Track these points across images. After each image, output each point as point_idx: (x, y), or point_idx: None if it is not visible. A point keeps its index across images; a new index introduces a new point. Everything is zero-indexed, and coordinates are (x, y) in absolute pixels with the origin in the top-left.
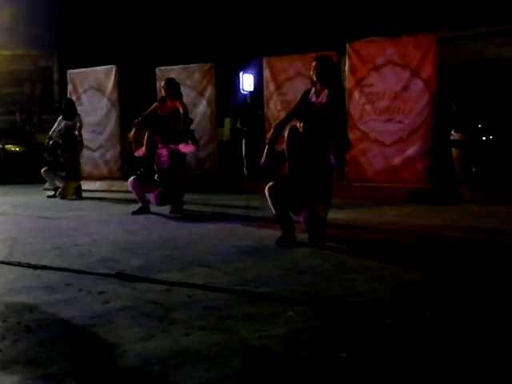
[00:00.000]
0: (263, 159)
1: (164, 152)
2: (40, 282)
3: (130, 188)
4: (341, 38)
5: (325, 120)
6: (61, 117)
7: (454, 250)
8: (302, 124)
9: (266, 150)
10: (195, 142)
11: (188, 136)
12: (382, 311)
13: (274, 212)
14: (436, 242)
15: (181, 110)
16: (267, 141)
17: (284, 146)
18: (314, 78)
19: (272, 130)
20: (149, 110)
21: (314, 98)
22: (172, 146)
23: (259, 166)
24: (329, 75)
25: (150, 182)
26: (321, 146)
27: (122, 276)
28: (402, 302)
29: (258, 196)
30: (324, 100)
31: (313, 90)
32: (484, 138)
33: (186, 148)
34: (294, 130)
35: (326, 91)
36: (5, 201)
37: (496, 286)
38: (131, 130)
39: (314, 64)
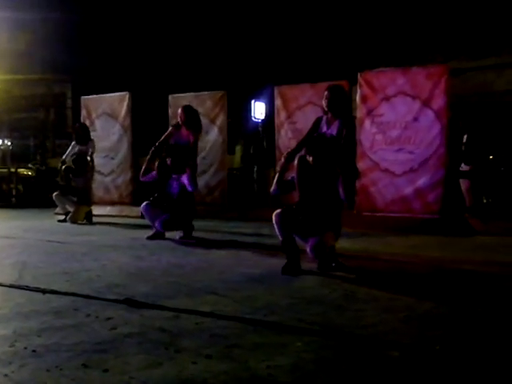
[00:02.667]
0: (273, 187)
1: (174, 184)
2: (48, 307)
3: (142, 213)
4: (352, 68)
5: (334, 153)
6: (74, 141)
7: (465, 282)
8: (311, 157)
9: (276, 178)
10: (192, 181)
11: (189, 170)
12: (390, 343)
13: (280, 238)
14: (446, 273)
15: (191, 143)
16: (278, 169)
17: (294, 175)
18: (326, 108)
19: (283, 159)
20: (164, 136)
21: (324, 128)
22: (182, 181)
23: (269, 194)
24: (340, 105)
25: (162, 208)
26: (330, 177)
27: (130, 302)
28: (411, 335)
29: (268, 224)
30: (334, 131)
31: (324, 118)
32: (495, 170)
33: (186, 185)
34: (303, 159)
35: (336, 122)
36: (16, 224)
37: (507, 320)
38: (145, 156)
39: (326, 93)
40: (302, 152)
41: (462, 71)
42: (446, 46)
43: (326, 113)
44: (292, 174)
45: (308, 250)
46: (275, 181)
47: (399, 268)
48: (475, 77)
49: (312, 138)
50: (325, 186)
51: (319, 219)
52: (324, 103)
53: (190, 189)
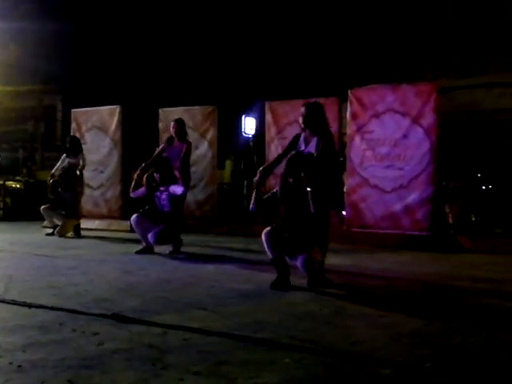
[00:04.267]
0: (251, 204)
1: (163, 195)
2: (34, 321)
3: (132, 225)
4: (343, 85)
5: (311, 171)
6: (65, 155)
7: (454, 298)
8: (291, 178)
9: (253, 195)
10: (185, 182)
11: (182, 174)
12: (381, 361)
13: (270, 256)
14: (435, 290)
15: (183, 151)
16: (254, 185)
17: (275, 190)
18: (302, 125)
19: (258, 174)
20: (156, 152)
21: (302, 146)
22: (170, 190)
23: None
24: (317, 122)
25: (153, 220)
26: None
27: (118, 317)
28: (402, 352)
29: (258, 239)
30: (312, 149)
31: (302, 135)
32: (483, 187)
33: (175, 189)
34: (284, 177)
35: (315, 139)
36: (3, 238)
37: (495, 337)
38: (135, 170)
39: (302, 110)
40: (282, 170)
41: (450, 89)
42: (435, 63)
43: (303, 130)
44: (272, 190)
45: (299, 267)
46: (253, 198)
47: (389, 284)
48: (464, 95)
49: (290, 159)
50: (306, 203)
51: (304, 236)
52: (300, 120)
53: (179, 191)
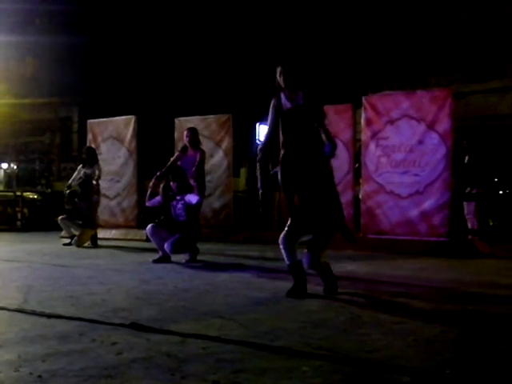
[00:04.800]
0: (259, 185)
1: (179, 205)
2: (54, 332)
3: (148, 235)
4: (356, 91)
5: (309, 118)
6: (81, 165)
7: (472, 305)
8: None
9: (259, 175)
10: (200, 191)
11: (197, 183)
12: (399, 368)
13: (287, 262)
14: (453, 296)
15: (197, 160)
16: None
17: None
18: (282, 85)
19: (260, 153)
20: (171, 161)
21: (288, 105)
22: (186, 199)
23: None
24: (298, 78)
25: (168, 229)
26: (314, 151)
27: (136, 326)
28: (420, 359)
29: (273, 246)
30: (300, 101)
31: (283, 96)
32: (501, 192)
33: (191, 198)
34: (285, 158)
35: (300, 94)
36: (21, 248)
37: None
38: (151, 179)
39: (279, 69)
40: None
41: (465, 94)
42: (448, 69)
43: (282, 90)
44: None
45: (305, 264)
46: (259, 179)
47: (406, 291)
48: (478, 100)
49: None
50: (312, 171)
51: (322, 210)
52: (280, 81)
53: (194, 200)
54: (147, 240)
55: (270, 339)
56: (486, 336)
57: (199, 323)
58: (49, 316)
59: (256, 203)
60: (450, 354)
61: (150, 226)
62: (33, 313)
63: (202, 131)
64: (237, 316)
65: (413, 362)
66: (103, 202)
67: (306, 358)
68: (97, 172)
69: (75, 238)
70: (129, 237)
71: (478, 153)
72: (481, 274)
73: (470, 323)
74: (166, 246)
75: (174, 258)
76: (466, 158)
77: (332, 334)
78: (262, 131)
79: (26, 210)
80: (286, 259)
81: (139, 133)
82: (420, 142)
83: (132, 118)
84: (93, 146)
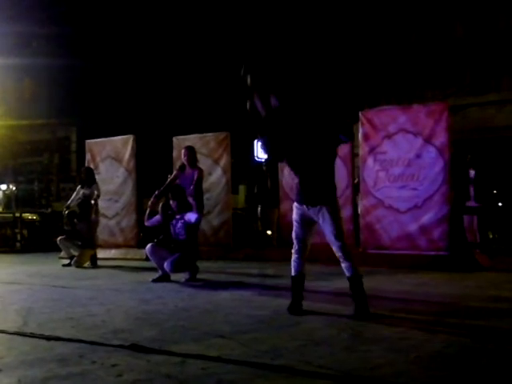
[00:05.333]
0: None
1: (179, 224)
2: (53, 354)
3: (148, 255)
4: (354, 106)
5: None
6: (79, 186)
7: (474, 319)
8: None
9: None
10: (199, 209)
11: (196, 201)
12: None
13: (292, 273)
14: (455, 311)
15: (195, 178)
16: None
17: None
18: None
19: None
20: (169, 179)
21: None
22: (185, 217)
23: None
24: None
25: (168, 248)
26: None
27: (136, 347)
28: (423, 376)
29: (273, 264)
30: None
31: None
32: (500, 204)
33: (190, 217)
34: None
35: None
36: (20, 270)
37: None
38: (149, 198)
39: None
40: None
41: (462, 107)
42: (445, 82)
43: None
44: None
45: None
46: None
47: (407, 306)
48: (475, 113)
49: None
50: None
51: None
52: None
53: (193, 218)
54: (147, 259)
55: (271, 358)
56: (488, 351)
57: (199, 343)
58: (48, 338)
59: (254, 221)
60: (452, 370)
61: (149, 245)
62: (32, 335)
63: (201, 149)
64: (237, 335)
65: (415, 379)
66: (102, 221)
67: (307, 377)
68: (95, 192)
69: (74, 258)
70: (128, 256)
71: (484, 167)
72: (482, 287)
73: (472, 338)
74: (165, 264)
75: (173, 276)
76: (472, 172)
77: (334, 352)
78: (259, 148)
79: (25, 231)
80: (292, 269)
81: (137, 152)
82: (417, 156)
83: (130, 138)
84: (91, 165)
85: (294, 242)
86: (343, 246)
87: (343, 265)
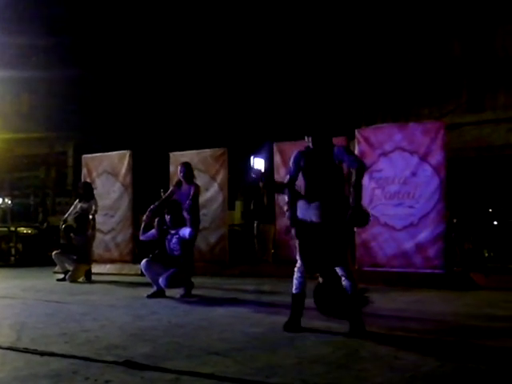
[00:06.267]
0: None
1: (174, 239)
2: (46, 370)
3: (143, 270)
4: (349, 124)
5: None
6: (77, 200)
7: (469, 338)
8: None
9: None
10: (194, 224)
11: (191, 216)
12: None
13: (293, 291)
14: (450, 329)
15: (191, 194)
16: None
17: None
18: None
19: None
20: (166, 195)
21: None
22: (180, 233)
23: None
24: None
25: (163, 264)
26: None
27: (130, 364)
28: None
29: (269, 280)
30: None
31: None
32: (495, 223)
33: (185, 232)
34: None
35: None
36: (15, 284)
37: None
38: (144, 214)
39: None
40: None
41: (458, 125)
42: (441, 100)
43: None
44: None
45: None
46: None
47: (402, 325)
48: (472, 131)
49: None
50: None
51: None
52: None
53: (187, 233)
54: (142, 274)
55: (266, 376)
56: (482, 370)
57: (194, 360)
58: (42, 354)
59: (251, 237)
60: None
61: (144, 260)
62: (26, 351)
63: (197, 165)
64: (232, 352)
65: None
66: (98, 236)
67: None
68: (94, 207)
69: (69, 273)
70: (123, 271)
71: (474, 185)
72: (477, 306)
73: (467, 357)
74: (160, 280)
75: (168, 292)
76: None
77: (329, 370)
78: (256, 164)
79: (19, 246)
80: (293, 286)
81: (134, 167)
82: (413, 174)
83: (127, 153)
84: (88, 180)
85: (299, 260)
86: (346, 264)
87: (344, 283)
